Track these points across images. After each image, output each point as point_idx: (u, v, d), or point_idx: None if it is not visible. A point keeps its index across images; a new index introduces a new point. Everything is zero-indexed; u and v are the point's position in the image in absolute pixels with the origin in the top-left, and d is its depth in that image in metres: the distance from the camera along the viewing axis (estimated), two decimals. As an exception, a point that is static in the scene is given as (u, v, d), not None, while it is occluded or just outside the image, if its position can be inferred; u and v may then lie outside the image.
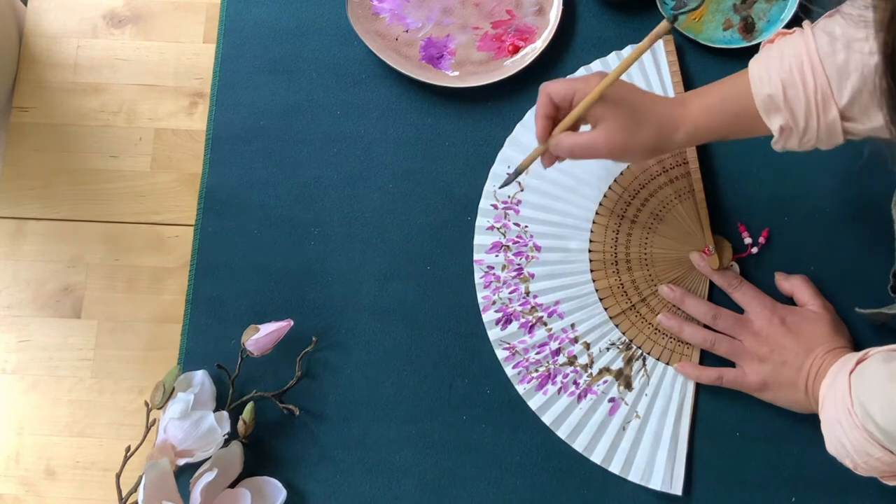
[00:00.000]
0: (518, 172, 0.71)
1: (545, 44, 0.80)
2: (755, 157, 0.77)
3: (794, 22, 0.78)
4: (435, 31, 0.83)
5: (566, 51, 0.82)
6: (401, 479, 0.74)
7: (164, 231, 0.81)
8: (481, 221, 0.79)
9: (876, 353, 0.61)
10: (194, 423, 0.69)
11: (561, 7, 0.81)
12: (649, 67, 0.80)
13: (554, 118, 0.67)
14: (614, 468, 0.72)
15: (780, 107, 0.60)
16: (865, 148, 0.61)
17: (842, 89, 0.57)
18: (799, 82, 0.59)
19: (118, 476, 0.71)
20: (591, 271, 0.77)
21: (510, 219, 0.78)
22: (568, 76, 0.81)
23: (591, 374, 0.75)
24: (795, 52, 0.59)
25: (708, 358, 0.74)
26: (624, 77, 0.79)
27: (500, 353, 0.76)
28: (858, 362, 0.62)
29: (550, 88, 0.66)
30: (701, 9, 0.80)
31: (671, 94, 0.79)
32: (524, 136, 0.80)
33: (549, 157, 0.69)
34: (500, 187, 0.76)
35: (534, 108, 0.80)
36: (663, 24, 0.52)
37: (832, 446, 0.62)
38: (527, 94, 0.81)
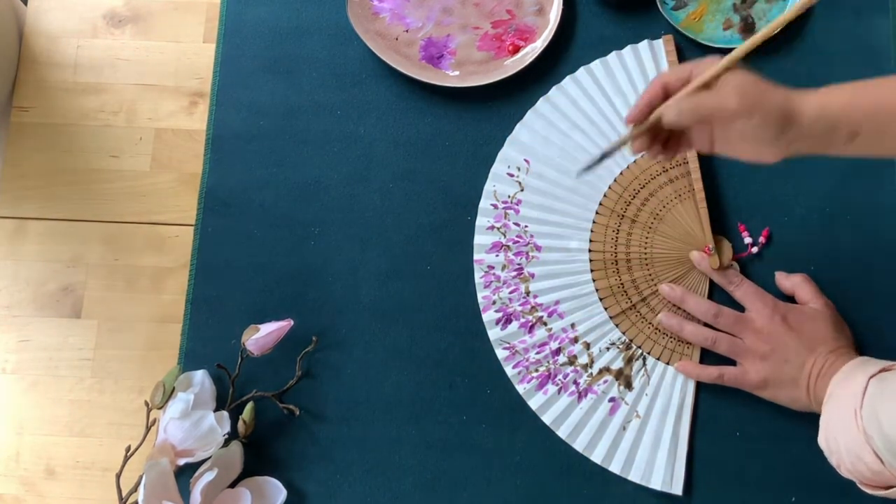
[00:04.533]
0: (605, 155, 0.65)
1: (545, 44, 0.80)
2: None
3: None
4: (435, 31, 0.83)
5: (566, 51, 0.82)
6: (401, 479, 0.74)
7: (164, 231, 0.81)
8: (481, 221, 0.79)
9: None
10: (194, 423, 0.69)
11: (561, 7, 0.81)
12: (649, 67, 0.80)
13: (654, 108, 0.62)
14: (614, 468, 0.72)
15: None
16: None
17: None
18: None
19: (118, 476, 0.71)
20: (592, 271, 0.77)
21: (510, 218, 0.78)
22: (568, 76, 0.81)
23: (592, 373, 0.75)
24: None
25: (708, 357, 0.74)
26: (623, 77, 0.80)
27: (500, 353, 0.76)
28: (884, 369, 0.61)
29: (666, 78, 0.61)
30: (700, 8, 0.81)
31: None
32: (524, 135, 0.80)
33: (641, 141, 0.63)
34: (583, 170, 0.69)
35: (534, 109, 0.80)
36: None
37: (825, 439, 0.62)
38: (527, 94, 0.81)
